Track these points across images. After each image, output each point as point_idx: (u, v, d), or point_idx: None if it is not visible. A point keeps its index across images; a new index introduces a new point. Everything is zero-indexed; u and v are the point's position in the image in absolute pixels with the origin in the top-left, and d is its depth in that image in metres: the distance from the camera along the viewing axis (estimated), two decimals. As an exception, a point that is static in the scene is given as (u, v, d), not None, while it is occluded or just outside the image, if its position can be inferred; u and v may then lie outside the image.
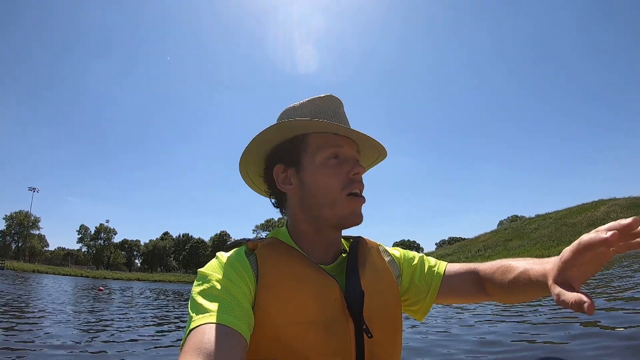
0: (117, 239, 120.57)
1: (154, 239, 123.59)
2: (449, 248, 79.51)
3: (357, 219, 1.03)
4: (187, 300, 19.71)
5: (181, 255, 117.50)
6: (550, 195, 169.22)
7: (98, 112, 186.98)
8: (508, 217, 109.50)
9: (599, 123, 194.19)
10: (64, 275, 73.69)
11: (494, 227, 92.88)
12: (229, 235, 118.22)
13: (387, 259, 1.20)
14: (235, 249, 1.02)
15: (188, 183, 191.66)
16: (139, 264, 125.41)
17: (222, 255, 0.98)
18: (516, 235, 63.84)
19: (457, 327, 6.93)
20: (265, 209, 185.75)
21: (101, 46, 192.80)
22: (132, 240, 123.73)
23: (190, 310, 0.84)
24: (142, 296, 22.80)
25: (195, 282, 0.91)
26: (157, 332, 8.12)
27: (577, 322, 5.70)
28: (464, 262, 1.28)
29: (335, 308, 0.95)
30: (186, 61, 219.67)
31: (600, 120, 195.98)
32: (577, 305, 0.66)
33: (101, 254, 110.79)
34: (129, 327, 8.68)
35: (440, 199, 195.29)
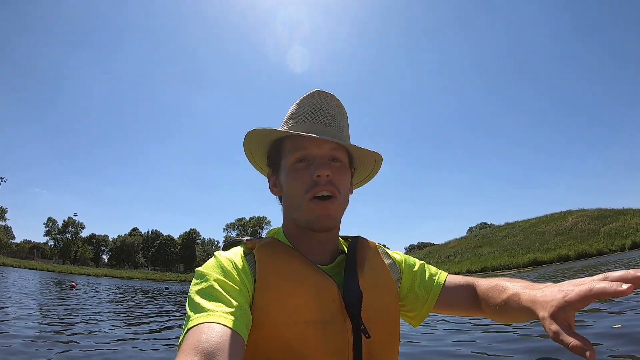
0: (85, 234, 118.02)
1: (123, 235, 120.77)
2: (419, 253, 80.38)
3: (323, 222, 1.01)
4: (153, 297, 19.42)
5: (150, 252, 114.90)
6: (518, 204, 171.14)
7: (72, 104, 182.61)
8: (477, 224, 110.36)
9: (568, 134, 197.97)
10: (30, 269, 72.14)
11: (464, 233, 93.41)
12: (198, 233, 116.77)
13: (387, 261, 1.18)
14: (233, 249, 1.02)
15: (159, 179, 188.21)
16: (106, 260, 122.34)
17: (221, 255, 0.97)
18: (486, 242, 64.59)
19: (455, 328, 6.54)
20: (236, 208, 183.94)
21: (81, 38, 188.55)
22: (100, 235, 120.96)
23: (188, 310, 0.83)
24: (120, 293, 22.00)
25: (193, 282, 0.90)
26: (143, 330, 7.77)
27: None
28: (434, 266, 1.25)
29: (333, 308, 0.95)
30: (165, 57, 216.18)
31: (569, 131, 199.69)
32: (579, 350, 0.65)
33: (68, 248, 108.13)
34: (111, 324, 8.35)
35: (409, 204, 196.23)
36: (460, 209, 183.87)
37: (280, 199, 1.14)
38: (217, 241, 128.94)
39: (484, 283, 1.11)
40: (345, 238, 1.21)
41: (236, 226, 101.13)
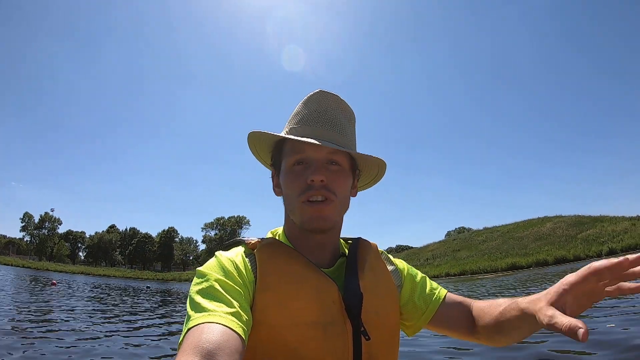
0: (61, 230, 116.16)
1: (100, 232, 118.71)
2: (397, 256, 76.14)
3: (316, 224, 1.01)
4: (136, 296, 19.50)
5: (127, 250, 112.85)
6: (496, 209, 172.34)
7: (52, 99, 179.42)
8: (456, 229, 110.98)
9: (547, 140, 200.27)
10: (4, 264, 71.59)
11: (442, 237, 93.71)
12: (176, 231, 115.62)
13: (390, 267, 1.19)
14: (234, 249, 1.03)
15: (137, 176, 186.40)
16: (82, 257, 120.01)
17: (222, 255, 0.97)
18: (464, 246, 64.65)
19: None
20: (215, 207, 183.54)
21: (64, 32, 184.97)
22: (77, 232, 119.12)
23: (188, 309, 0.83)
24: (104, 293, 21.66)
25: (194, 281, 0.90)
26: (131, 328, 7.87)
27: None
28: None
29: (333, 310, 0.95)
30: (150, 54, 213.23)
31: (548, 137, 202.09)
32: (571, 331, 0.66)
33: (45, 244, 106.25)
34: (97, 321, 8.46)
35: (387, 207, 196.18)
36: (438, 212, 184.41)
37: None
38: (196, 240, 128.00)
39: (480, 303, 1.13)
40: (346, 240, 1.20)
41: (215, 225, 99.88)
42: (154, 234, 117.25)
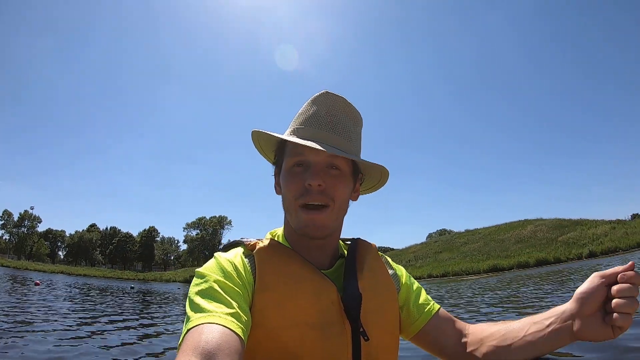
0: (41, 228, 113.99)
1: (80, 231, 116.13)
2: None
3: (312, 231, 1.01)
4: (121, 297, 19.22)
5: (108, 250, 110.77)
6: (477, 212, 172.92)
7: (32, 95, 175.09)
8: (437, 231, 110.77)
9: (528, 143, 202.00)
10: None
11: (423, 239, 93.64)
12: (157, 231, 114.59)
13: (390, 271, 1.19)
14: (233, 250, 1.03)
15: (119, 174, 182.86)
16: (62, 256, 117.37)
17: (221, 256, 0.98)
18: (446, 248, 64.40)
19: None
20: (197, 207, 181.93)
21: (43, 26, 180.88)
22: (57, 231, 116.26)
23: (187, 310, 0.83)
24: (88, 293, 20.97)
25: (193, 282, 0.91)
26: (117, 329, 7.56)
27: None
28: None
29: (332, 310, 0.96)
30: (132, 51, 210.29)
31: (529, 140, 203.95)
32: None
33: (24, 242, 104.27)
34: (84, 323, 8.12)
35: (368, 209, 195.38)
36: (419, 214, 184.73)
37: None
38: (177, 240, 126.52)
39: (478, 325, 1.13)
40: (345, 241, 1.21)
41: (197, 225, 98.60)
42: (134, 233, 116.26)
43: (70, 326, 7.43)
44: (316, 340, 0.90)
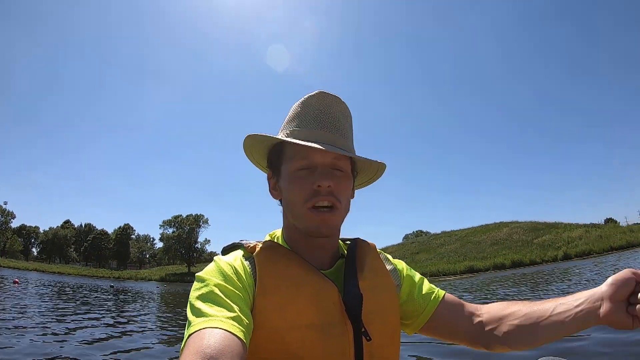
0: (15, 224, 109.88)
1: (55, 227, 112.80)
2: None
3: (323, 231, 1.00)
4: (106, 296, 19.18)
5: (82, 247, 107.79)
6: (452, 214, 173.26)
7: (7, 90, 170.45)
8: (413, 232, 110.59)
9: (503, 147, 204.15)
10: None
11: (400, 240, 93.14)
12: (132, 228, 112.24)
13: (388, 267, 1.18)
14: (233, 253, 1.02)
15: (94, 170, 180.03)
16: (35, 253, 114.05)
17: (220, 259, 0.97)
18: (423, 249, 64.52)
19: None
20: (173, 204, 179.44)
21: (24, 23, 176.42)
22: (30, 227, 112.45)
23: (189, 315, 0.83)
24: (69, 292, 21.00)
25: (194, 287, 0.90)
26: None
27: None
28: None
29: (333, 311, 0.95)
30: (115, 46, 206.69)
31: (504, 144, 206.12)
32: None
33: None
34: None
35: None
36: (396, 216, 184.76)
37: (280, 202, 1.10)
38: (153, 238, 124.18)
39: (493, 305, 1.12)
40: (344, 240, 1.19)
41: (173, 223, 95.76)
42: (110, 230, 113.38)
43: (52, 326, 7.35)
44: (318, 341, 0.90)
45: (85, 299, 16.26)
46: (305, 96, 1.06)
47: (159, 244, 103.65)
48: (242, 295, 0.88)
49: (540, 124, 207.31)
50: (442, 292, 1.18)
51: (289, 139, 1.00)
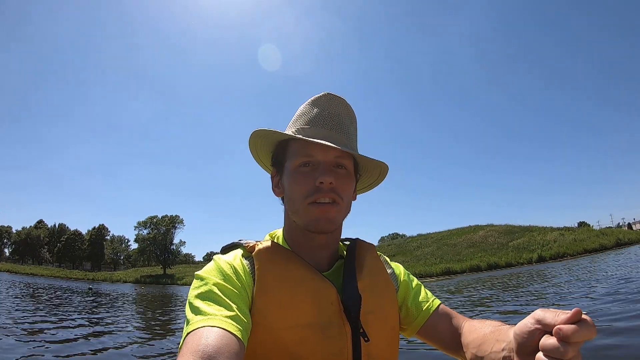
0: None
1: (28, 227, 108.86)
2: None
3: (323, 225, 1.00)
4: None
5: (56, 248, 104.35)
6: (427, 216, 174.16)
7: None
8: (389, 234, 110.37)
9: (478, 150, 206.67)
10: None
11: (375, 243, 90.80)
12: (107, 229, 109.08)
13: (388, 270, 1.18)
14: (232, 252, 1.02)
15: (69, 170, 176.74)
16: (8, 254, 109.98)
17: (220, 258, 0.97)
18: (399, 251, 63.79)
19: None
20: (148, 205, 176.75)
21: (4, 16, 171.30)
22: (3, 226, 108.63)
23: (187, 313, 0.83)
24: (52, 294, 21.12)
25: (193, 285, 0.90)
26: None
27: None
28: None
29: (332, 311, 0.95)
30: (93, 41, 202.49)
31: (479, 148, 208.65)
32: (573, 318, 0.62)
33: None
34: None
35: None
36: (371, 218, 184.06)
37: (282, 200, 1.10)
38: (128, 239, 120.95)
39: (473, 321, 1.08)
40: (343, 241, 1.19)
41: (148, 224, 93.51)
42: (83, 231, 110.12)
43: (24, 328, 7.41)
44: (316, 341, 0.90)
45: (59, 300, 15.93)
46: (313, 97, 1.06)
47: (134, 245, 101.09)
48: (241, 294, 0.88)
49: (515, 129, 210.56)
50: (436, 302, 1.16)
51: (291, 134, 1.02)
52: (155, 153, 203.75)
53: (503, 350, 0.84)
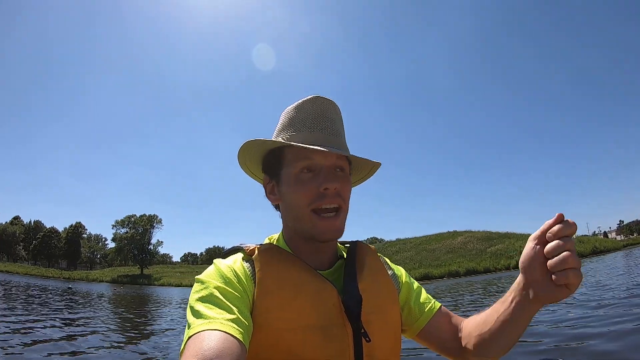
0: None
1: (3, 223, 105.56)
2: None
3: (328, 237, 1.00)
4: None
5: (31, 245, 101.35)
6: (405, 222, 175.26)
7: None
8: (368, 239, 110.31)
9: (454, 158, 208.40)
10: None
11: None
12: (84, 227, 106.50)
13: (388, 271, 1.17)
14: (232, 256, 1.02)
15: (46, 165, 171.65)
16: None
17: (220, 262, 0.97)
18: (379, 256, 63.40)
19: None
20: (126, 204, 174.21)
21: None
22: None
23: (189, 317, 0.83)
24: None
25: (194, 289, 0.90)
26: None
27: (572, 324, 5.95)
28: None
29: (333, 313, 0.94)
30: (66, 36, 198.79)
31: (456, 155, 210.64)
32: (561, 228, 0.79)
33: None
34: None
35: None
36: (349, 222, 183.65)
37: (277, 207, 1.10)
38: (105, 238, 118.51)
39: (469, 319, 1.12)
40: (343, 243, 1.19)
41: (126, 223, 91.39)
42: (60, 228, 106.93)
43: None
44: (318, 342, 0.89)
45: (37, 299, 15.76)
46: (300, 101, 1.05)
47: (111, 244, 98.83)
48: (242, 297, 0.88)
49: (492, 138, 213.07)
50: (437, 305, 1.17)
51: (292, 142, 0.99)
52: (136, 152, 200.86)
53: (512, 301, 0.92)
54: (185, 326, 0.82)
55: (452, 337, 1.11)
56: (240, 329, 0.79)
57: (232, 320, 0.79)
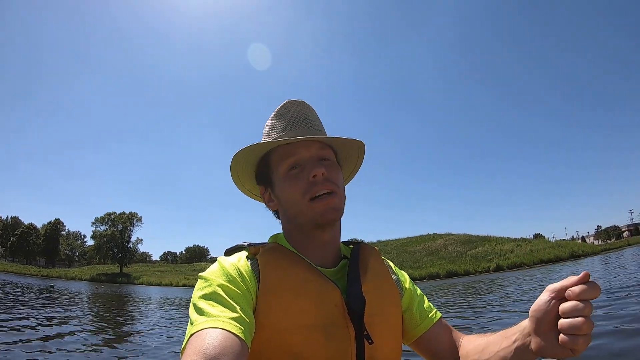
0: None
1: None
2: None
3: (330, 215, 1.00)
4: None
5: (9, 242, 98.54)
6: (385, 224, 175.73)
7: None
8: (348, 240, 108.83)
9: (435, 161, 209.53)
10: None
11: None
12: (63, 224, 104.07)
13: (393, 276, 1.17)
14: (236, 254, 1.02)
15: (23, 160, 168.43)
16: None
17: (224, 260, 0.97)
18: (360, 257, 63.48)
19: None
20: (106, 201, 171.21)
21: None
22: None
23: (191, 314, 0.83)
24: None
25: (197, 287, 0.90)
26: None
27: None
28: None
29: (335, 313, 0.94)
30: (51, 31, 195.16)
31: (437, 158, 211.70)
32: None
33: None
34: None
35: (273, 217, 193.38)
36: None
37: (276, 213, 1.13)
38: (84, 235, 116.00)
39: (469, 336, 1.11)
40: (346, 244, 1.19)
41: (106, 220, 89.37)
42: (38, 225, 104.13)
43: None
44: (320, 342, 0.89)
45: (21, 297, 15.72)
46: (276, 109, 1.09)
47: (90, 242, 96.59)
48: (245, 295, 0.88)
49: (473, 142, 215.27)
50: (438, 315, 1.16)
51: (270, 140, 1.03)
52: (117, 150, 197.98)
53: (515, 342, 0.88)
54: (184, 327, 0.75)
55: (449, 351, 1.09)
56: (243, 328, 0.78)
57: (235, 319, 0.79)
